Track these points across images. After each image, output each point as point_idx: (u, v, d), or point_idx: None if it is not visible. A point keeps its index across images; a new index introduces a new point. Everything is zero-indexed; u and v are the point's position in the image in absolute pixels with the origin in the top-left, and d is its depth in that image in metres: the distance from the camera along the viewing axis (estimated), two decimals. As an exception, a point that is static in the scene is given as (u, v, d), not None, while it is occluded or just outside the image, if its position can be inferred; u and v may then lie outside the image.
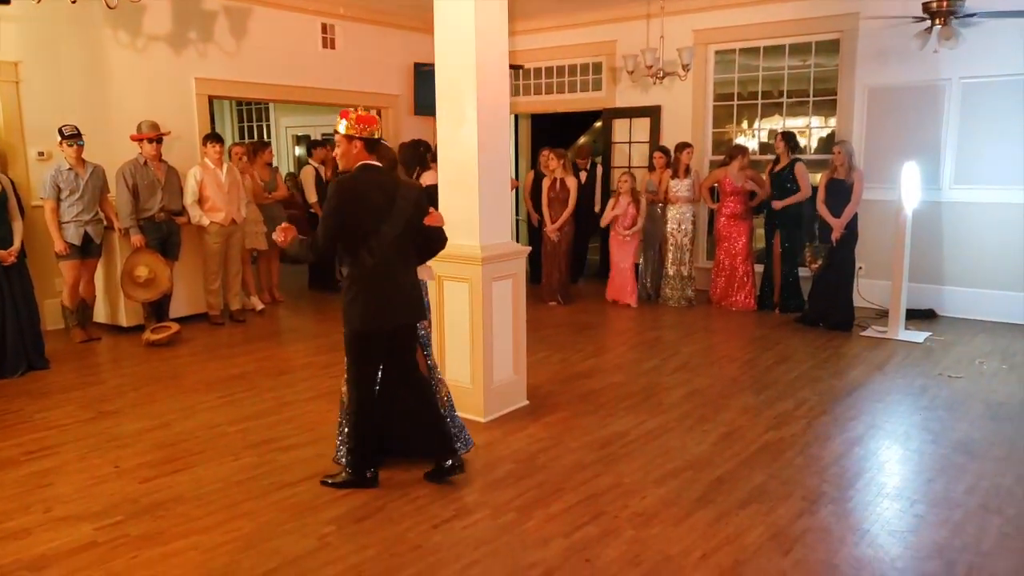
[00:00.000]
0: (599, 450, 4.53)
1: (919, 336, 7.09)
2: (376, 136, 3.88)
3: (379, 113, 3.88)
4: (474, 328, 4.96)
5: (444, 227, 4.23)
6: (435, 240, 4.13)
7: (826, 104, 8.73)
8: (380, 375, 4.06)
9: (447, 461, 4.03)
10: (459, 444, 4.27)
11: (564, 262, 8.78)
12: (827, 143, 8.72)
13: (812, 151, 8.90)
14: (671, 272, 8.61)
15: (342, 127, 3.84)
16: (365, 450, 4.04)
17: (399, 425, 4.24)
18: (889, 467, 4.35)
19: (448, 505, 3.84)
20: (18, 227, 6.18)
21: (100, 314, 7.57)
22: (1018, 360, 6.35)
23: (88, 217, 6.88)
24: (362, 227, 3.78)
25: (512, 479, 4.14)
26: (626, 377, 5.98)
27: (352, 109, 3.91)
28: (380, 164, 3.92)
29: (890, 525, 3.61)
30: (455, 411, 4.43)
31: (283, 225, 3.96)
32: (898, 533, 3.53)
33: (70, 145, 6.67)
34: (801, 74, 8.85)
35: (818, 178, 8.04)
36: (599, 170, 10.06)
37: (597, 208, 9.67)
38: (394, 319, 3.91)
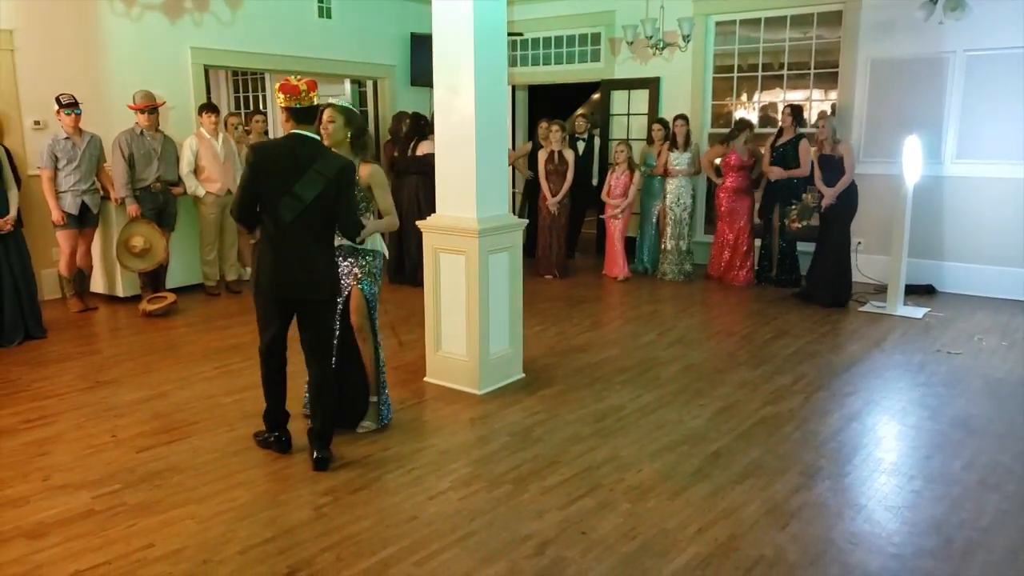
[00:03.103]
0: (595, 423, 4.54)
1: (918, 312, 7.08)
2: (298, 105, 3.74)
3: (303, 81, 3.74)
4: (470, 301, 4.94)
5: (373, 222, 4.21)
6: (342, 227, 3.96)
7: (827, 77, 8.65)
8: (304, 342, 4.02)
9: (314, 452, 3.95)
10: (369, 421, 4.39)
11: (562, 235, 8.74)
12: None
13: (812, 124, 8.82)
14: (669, 246, 8.57)
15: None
16: (268, 407, 4.10)
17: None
18: (887, 443, 4.36)
19: (444, 477, 3.84)
20: (14, 196, 6.13)
21: (97, 284, 7.55)
22: (1018, 337, 6.34)
23: (85, 187, 6.84)
24: (266, 194, 3.74)
25: (508, 451, 4.15)
26: (622, 351, 5.98)
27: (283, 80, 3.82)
28: (310, 134, 3.81)
29: (887, 501, 3.61)
30: (385, 387, 4.47)
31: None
32: (895, 509, 3.54)
33: (68, 114, 6.61)
34: (802, 46, 8.76)
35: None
36: (597, 142, 9.97)
37: (595, 181, 9.60)
38: (286, 292, 3.85)
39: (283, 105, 3.77)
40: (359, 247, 4.23)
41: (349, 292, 4.28)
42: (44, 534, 3.31)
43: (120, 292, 7.48)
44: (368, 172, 4.22)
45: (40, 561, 3.11)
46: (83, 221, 6.92)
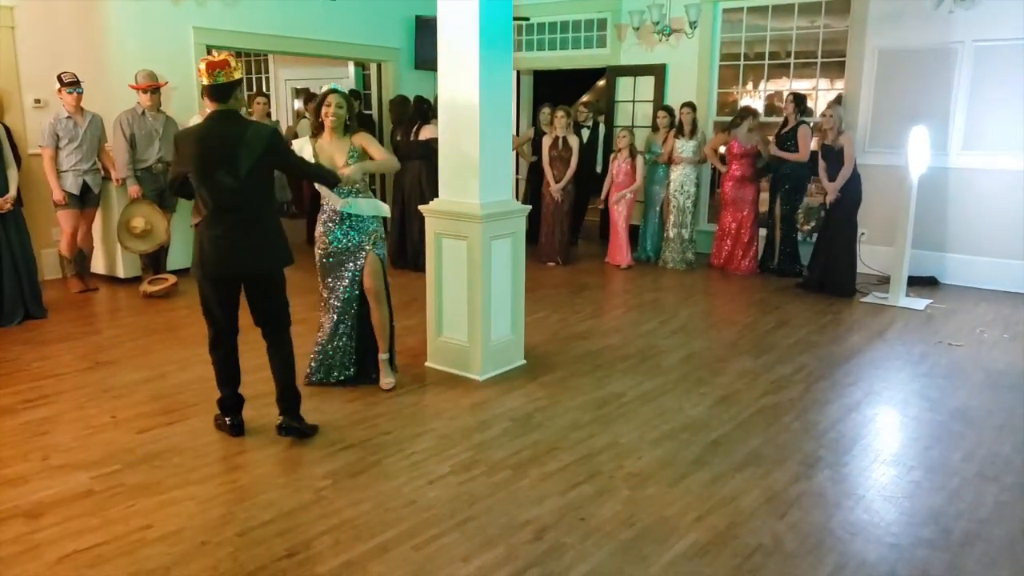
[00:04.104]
0: (595, 410, 4.53)
1: (920, 303, 7.06)
2: (216, 82, 3.69)
3: (233, 55, 3.66)
4: (472, 286, 4.92)
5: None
6: (319, 181, 4.22)
7: (834, 66, 8.59)
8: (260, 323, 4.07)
9: (284, 419, 4.05)
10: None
11: (565, 222, 8.71)
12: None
13: (818, 114, 8.78)
14: (671, 235, 8.54)
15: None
16: (221, 392, 4.11)
17: None
18: (886, 433, 4.35)
19: (443, 462, 3.84)
20: (13, 175, 6.10)
21: (98, 265, 7.54)
22: (1020, 329, 6.32)
23: (86, 166, 6.81)
24: (196, 176, 3.75)
25: (508, 437, 4.14)
26: (624, 338, 5.97)
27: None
28: (229, 108, 3.78)
29: (886, 491, 3.61)
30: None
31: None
32: (894, 499, 3.54)
33: (69, 92, 6.58)
34: (810, 35, 8.70)
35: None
36: (601, 129, 9.93)
37: (599, 169, 9.56)
38: (232, 269, 3.86)
39: (206, 83, 3.72)
40: (365, 217, 4.54)
41: (364, 259, 4.59)
42: (43, 514, 3.32)
43: (121, 273, 7.47)
44: (359, 136, 4.55)
45: (38, 540, 3.11)
46: (84, 201, 6.89)
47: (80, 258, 7.11)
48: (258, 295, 3.99)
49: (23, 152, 6.81)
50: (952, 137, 7.73)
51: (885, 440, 4.24)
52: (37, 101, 7.22)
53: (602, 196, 8.86)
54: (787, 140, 7.98)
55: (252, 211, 3.83)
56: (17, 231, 6.12)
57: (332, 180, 4.24)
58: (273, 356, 4.06)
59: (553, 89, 11.39)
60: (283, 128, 10.36)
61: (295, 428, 4.05)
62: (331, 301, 4.69)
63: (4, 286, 6.02)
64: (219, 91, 3.73)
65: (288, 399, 4.06)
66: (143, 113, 7.06)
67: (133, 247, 7.08)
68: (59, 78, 6.56)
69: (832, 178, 7.32)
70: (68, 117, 6.66)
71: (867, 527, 3.29)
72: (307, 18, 9.03)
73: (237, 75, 3.76)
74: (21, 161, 6.48)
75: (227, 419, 4.12)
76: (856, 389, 4.96)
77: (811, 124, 8.06)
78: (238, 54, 11.45)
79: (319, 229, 4.65)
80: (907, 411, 4.63)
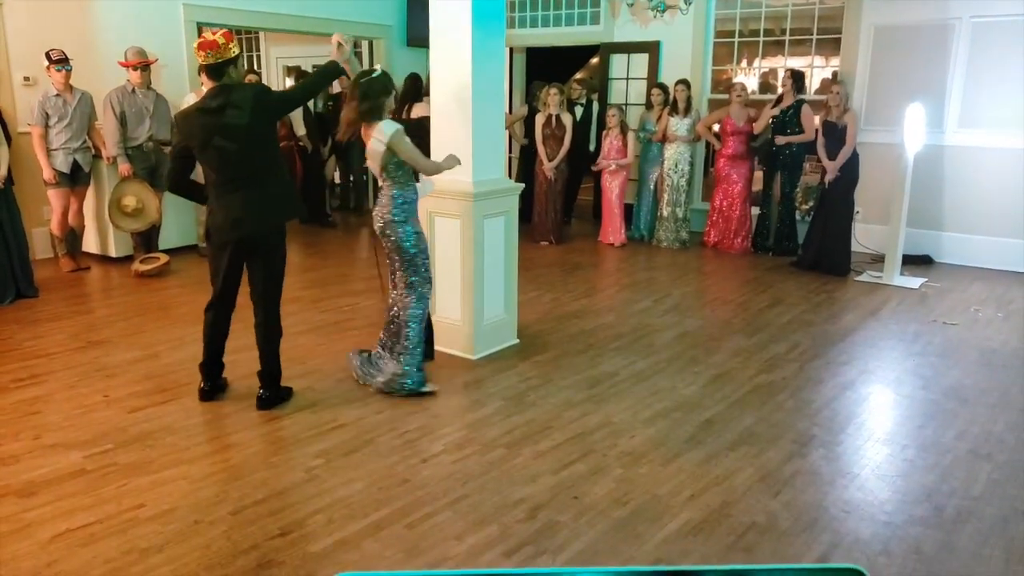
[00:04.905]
0: (588, 389, 4.53)
1: (915, 282, 7.06)
2: (207, 62, 3.84)
3: (229, 33, 3.84)
4: (465, 265, 4.90)
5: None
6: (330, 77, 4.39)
7: (829, 43, 8.53)
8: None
9: (262, 391, 4.18)
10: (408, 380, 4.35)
11: (558, 201, 8.67)
12: (829, 84, 8.54)
13: (813, 91, 8.73)
14: (665, 213, 8.51)
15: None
16: (204, 356, 4.21)
17: None
18: (880, 412, 4.36)
19: (437, 440, 3.84)
20: (3, 153, 6.03)
21: (89, 244, 7.49)
22: (1014, 308, 6.33)
23: (76, 145, 6.74)
24: (197, 150, 3.90)
25: (501, 416, 4.14)
26: (617, 318, 5.95)
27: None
28: (226, 84, 3.89)
29: (880, 469, 3.62)
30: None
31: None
32: (887, 477, 3.55)
33: (58, 70, 6.49)
34: (805, 11, 8.62)
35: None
36: (595, 107, 9.85)
37: (592, 147, 9.51)
38: (236, 232, 3.95)
39: (203, 63, 3.87)
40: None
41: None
42: (35, 493, 3.30)
43: (112, 252, 7.42)
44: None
45: (30, 520, 3.10)
46: (75, 180, 6.83)
47: (71, 237, 7.06)
48: (258, 262, 4.06)
49: (12, 131, 6.74)
50: (948, 115, 7.69)
51: (879, 419, 4.25)
52: (26, 79, 7.13)
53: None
54: (787, 119, 7.92)
55: (251, 174, 3.93)
56: (8, 210, 6.07)
57: (333, 69, 4.32)
58: (260, 329, 4.14)
59: (546, 66, 11.29)
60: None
61: (272, 399, 4.18)
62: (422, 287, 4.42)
63: (-5, 265, 5.98)
64: (213, 70, 3.89)
65: (270, 373, 4.18)
66: (133, 91, 6.98)
67: (124, 226, 7.03)
68: (47, 55, 6.47)
69: (831, 156, 7.29)
70: (57, 95, 6.58)
71: (861, 505, 3.30)
72: (298, -6, 8.93)
73: (230, 53, 3.89)
74: (11, 140, 6.42)
75: (201, 384, 4.22)
76: (850, 368, 4.96)
77: (809, 103, 8.00)
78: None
79: (396, 221, 4.27)
80: (901, 390, 4.64)
